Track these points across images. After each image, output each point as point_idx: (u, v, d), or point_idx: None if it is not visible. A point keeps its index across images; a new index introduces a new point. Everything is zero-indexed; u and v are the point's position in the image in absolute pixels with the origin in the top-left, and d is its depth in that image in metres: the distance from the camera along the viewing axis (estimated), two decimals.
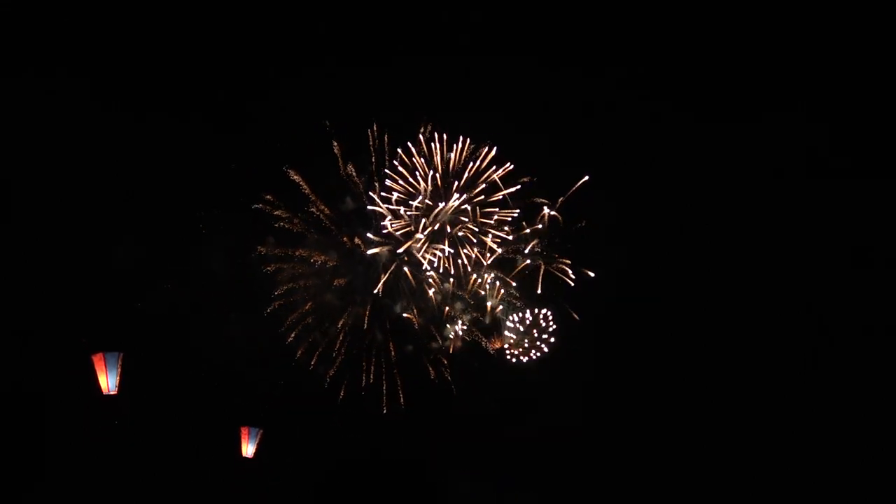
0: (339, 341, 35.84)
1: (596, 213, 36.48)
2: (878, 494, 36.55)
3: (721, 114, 38.16)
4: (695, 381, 38.40)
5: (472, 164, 35.67)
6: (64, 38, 32.60)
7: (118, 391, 25.45)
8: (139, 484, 29.90)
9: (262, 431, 30.93)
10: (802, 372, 38.25)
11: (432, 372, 36.34)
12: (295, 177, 35.17)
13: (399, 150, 35.38)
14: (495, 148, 35.62)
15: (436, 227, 35.54)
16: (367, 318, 35.86)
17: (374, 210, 35.50)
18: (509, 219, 36.10)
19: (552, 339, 36.80)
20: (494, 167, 35.76)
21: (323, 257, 35.52)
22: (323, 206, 35.60)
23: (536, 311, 36.79)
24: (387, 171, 35.32)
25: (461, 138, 35.53)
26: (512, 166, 35.70)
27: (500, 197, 35.77)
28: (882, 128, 37.72)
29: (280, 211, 35.15)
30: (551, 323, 36.76)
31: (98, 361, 25.57)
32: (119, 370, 25.54)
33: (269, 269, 35.15)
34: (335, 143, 34.97)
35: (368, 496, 37.15)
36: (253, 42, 35.71)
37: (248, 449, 30.72)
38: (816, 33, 37.76)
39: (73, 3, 32.72)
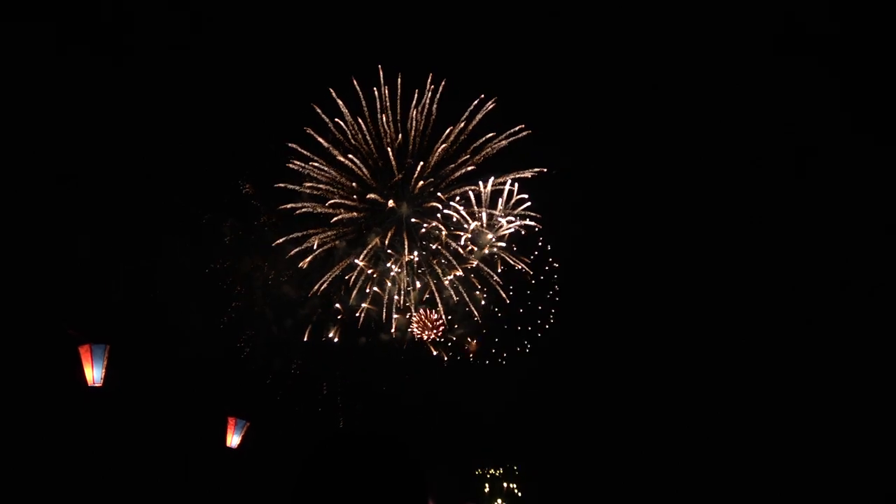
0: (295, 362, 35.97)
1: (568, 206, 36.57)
2: (876, 493, 36.48)
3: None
4: (682, 373, 38.58)
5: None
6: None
7: (103, 384, 25.85)
8: (121, 476, 30.27)
9: (248, 424, 31.32)
10: (788, 359, 38.27)
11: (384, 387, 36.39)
12: (248, 189, 35.28)
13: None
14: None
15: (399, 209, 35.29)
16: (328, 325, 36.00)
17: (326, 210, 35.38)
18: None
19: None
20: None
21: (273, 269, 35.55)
22: (274, 216, 35.69)
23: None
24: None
25: (431, 75, 35.48)
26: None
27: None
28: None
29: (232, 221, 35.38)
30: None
31: (84, 353, 25.85)
32: (105, 363, 25.86)
33: (226, 281, 35.46)
34: (294, 163, 35.15)
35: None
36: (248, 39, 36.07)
37: (234, 440, 31.13)
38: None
39: None
